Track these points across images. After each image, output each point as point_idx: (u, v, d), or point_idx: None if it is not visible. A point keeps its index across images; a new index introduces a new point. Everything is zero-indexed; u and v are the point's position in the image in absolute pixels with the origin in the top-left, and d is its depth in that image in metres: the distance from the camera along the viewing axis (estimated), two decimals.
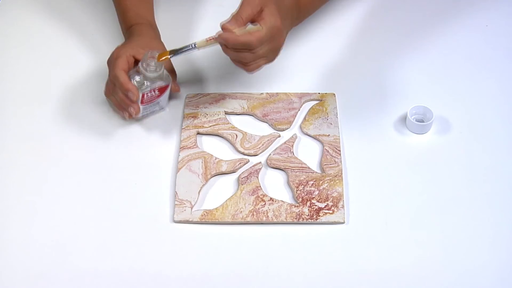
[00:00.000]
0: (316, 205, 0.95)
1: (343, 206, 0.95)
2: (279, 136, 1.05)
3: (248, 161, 1.01)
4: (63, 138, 1.05)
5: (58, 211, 0.96)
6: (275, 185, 0.99)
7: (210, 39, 0.96)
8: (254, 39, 0.92)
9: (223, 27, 0.93)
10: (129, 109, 1.01)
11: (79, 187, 0.99)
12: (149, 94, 1.02)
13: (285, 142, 1.03)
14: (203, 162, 1.01)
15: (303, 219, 0.94)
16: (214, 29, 1.17)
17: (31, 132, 1.06)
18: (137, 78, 1.00)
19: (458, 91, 1.10)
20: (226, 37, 0.93)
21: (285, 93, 1.10)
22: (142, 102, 1.02)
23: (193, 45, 0.98)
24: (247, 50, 0.94)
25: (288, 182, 0.99)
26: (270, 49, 0.96)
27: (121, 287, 0.89)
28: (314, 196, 0.96)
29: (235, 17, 0.93)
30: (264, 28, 0.93)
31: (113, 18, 1.23)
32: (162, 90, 1.03)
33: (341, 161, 1.00)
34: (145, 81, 1.01)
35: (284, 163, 1.00)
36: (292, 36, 1.19)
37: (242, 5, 0.94)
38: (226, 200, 0.96)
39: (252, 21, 0.95)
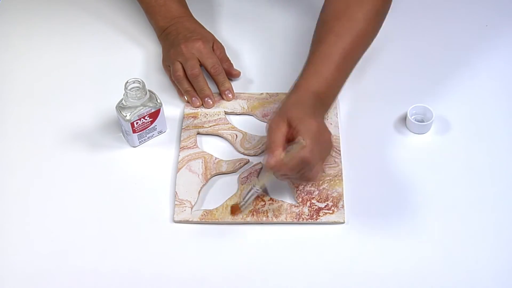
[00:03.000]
0: (316, 205, 0.95)
1: (343, 206, 0.95)
2: None
3: (248, 161, 1.01)
4: (63, 138, 1.05)
5: (58, 211, 0.96)
6: (275, 185, 0.99)
7: (264, 177, 0.92)
8: (305, 154, 0.87)
9: (269, 166, 0.88)
10: (205, 100, 1.07)
11: (79, 187, 0.99)
12: (139, 122, 1.00)
13: None
14: (203, 162, 1.01)
15: (303, 219, 0.94)
16: (214, 29, 1.18)
17: (31, 132, 1.06)
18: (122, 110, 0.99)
19: (458, 91, 1.10)
20: (279, 169, 0.88)
21: (285, 93, 1.09)
22: (134, 131, 1.01)
23: (255, 188, 0.93)
24: (305, 167, 0.88)
25: (288, 182, 0.99)
26: (323, 149, 0.91)
27: (121, 287, 0.89)
28: (314, 196, 0.96)
29: (272, 150, 0.88)
30: (307, 139, 0.88)
31: (113, 18, 1.23)
32: (153, 115, 1.01)
33: (341, 161, 1.00)
34: (130, 111, 0.99)
35: None
36: (292, 36, 1.20)
37: (269, 133, 0.90)
38: (226, 200, 0.96)
39: (289, 140, 0.90)
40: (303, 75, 0.98)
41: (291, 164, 0.87)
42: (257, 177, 0.97)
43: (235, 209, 0.94)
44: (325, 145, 0.92)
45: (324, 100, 0.97)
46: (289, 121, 0.90)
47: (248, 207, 0.94)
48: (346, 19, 1.01)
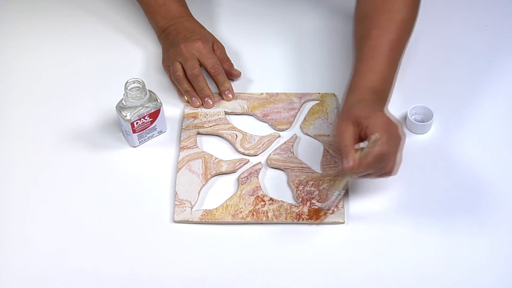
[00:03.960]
0: (316, 205, 0.95)
1: (343, 206, 0.95)
2: (279, 136, 1.05)
3: (248, 161, 1.01)
4: (63, 138, 1.05)
5: (58, 211, 0.96)
6: (275, 185, 0.99)
7: (344, 180, 0.93)
8: (381, 147, 0.87)
9: (346, 170, 0.88)
10: (205, 100, 1.07)
11: (79, 187, 0.99)
12: (139, 122, 1.00)
13: (285, 142, 1.03)
14: (203, 162, 1.01)
15: (303, 219, 0.94)
16: (214, 29, 1.18)
17: (31, 132, 1.06)
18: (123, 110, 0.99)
19: (458, 91, 1.10)
20: (358, 169, 0.88)
21: (285, 93, 1.10)
22: (134, 132, 1.01)
23: (337, 192, 0.93)
24: (382, 160, 0.89)
25: (288, 182, 0.99)
26: (395, 140, 0.90)
27: (121, 287, 0.89)
28: (314, 196, 0.96)
29: (346, 153, 0.88)
30: (379, 133, 0.87)
31: (113, 17, 1.23)
32: (153, 115, 1.01)
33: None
34: (130, 111, 0.99)
35: (284, 163, 1.00)
36: (292, 36, 1.19)
37: (339, 137, 0.90)
38: (226, 200, 0.96)
39: (359, 140, 0.90)
40: (356, 73, 0.98)
41: (368, 161, 0.87)
42: (333, 181, 0.97)
43: (318, 213, 0.94)
44: (396, 136, 0.90)
45: (382, 94, 0.97)
46: (356, 121, 0.90)
47: (330, 206, 0.95)
48: (387, 10, 1.01)
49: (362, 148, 0.88)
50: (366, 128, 0.89)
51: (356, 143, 0.89)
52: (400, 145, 0.91)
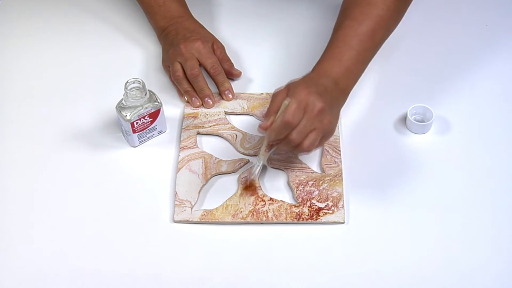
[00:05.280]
0: (316, 205, 0.95)
1: (343, 206, 0.95)
2: None
3: (248, 161, 1.01)
4: (63, 138, 1.05)
5: (58, 211, 0.96)
6: (275, 185, 0.99)
7: (262, 148, 0.95)
8: (286, 116, 0.88)
9: (261, 127, 0.91)
10: (205, 100, 1.07)
11: (79, 187, 0.99)
12: (139, 122, 1.00)
13: None
14: (203, 162, 1.01)
15: (303, 219, 0.94)
16: (214, 29, 1.18)
17: (31, 132, 1.06)
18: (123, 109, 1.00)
19: (458, 91, 1.10)
20: (269, 133, 0.90)
21: None
22: (134, 132, 1.01)
23: (258, 163, 0.96)
24: (290, 131, 0.90)
25: (288, 182, 0.99)
26: (312, 118, 0.90)
27: (121, 287, 0.89)
28: (314, 196, 0.96)
29: (266, 115, 0.91)
30: (292, 100, 0.89)
31: (113, 17, 1.23)
32: (153, 115, 1.01)
33: (341, 161, 1.00)
34: (130, 111, 0.99)
35: (284, 163, 1.00)
36: (292, 36, 1.19)
37: (270, 101, 0.92)
38: (226, 200, 0.96)
39: None
40: (320, 60, 0.98)
41: (275, 125, 0.89)
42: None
43: (249, 186, 0.96)
44: (315, 114, 0.90)
45: (342, 84, 0.97)
46: (289, 90, 0.92)
47: (256, 175, 0.97)
48: (364, 4, 1.01)
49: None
50: (289, 94, 0.91)
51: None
52: (319, 128, 0.91)
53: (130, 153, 1.03)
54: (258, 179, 0.97)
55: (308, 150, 0.92)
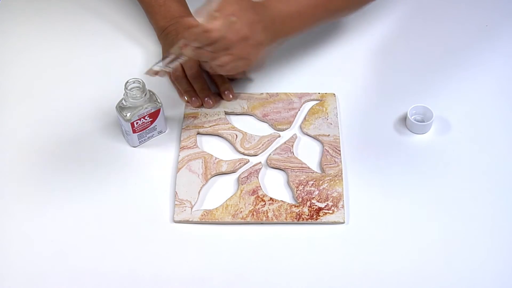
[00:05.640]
0: (316, 205, 0.95)
1: (343, 206, 0.95)
2: (279, 136, 1.05)
3: (248, 161, 1.01)
4: (63, 138, 1.05)
5: (58, 211, 0.96)
6: (275, 185, 0.99)
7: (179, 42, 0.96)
8: (210, 26, 0.90)
9: (184, 23, 0.93)
10: (205, 100, 1.07)
11: (79, 187, 0.99)
12: (139, 122, 1.00)
13: (285, 142, 1.03)
14: (203, 162, 1.01)
15: (303, 219, 0.94)
16: None
17: (31, 132, 1.06)
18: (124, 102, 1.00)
19: (458, 91, 1.10)
20: (189, 24, 0.91)
21: (285, 93, 1.10)
22: (134, 132, 1.01)
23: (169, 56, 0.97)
24: (208, 45, 0.92)
25: (288, 182, 0.99)
26: (233, 41, 0.93)
27: (121, 287, 0.89)
28: (314, 196, 0.96)
29: (196, 13, 0.93)
30: (219, 17, 0.91)
31: (113, 17, 1.23)
32: (153, 115, 1.01)
33: (341, 161, 1.00)
34: (130, 111, 0.99)
35: (284, 163, 1.00)
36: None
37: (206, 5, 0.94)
38: (226, 200, 0.96)
39: None
40: None
41: (195, 30, 0.91)
42: None
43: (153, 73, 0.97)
44: (240, 44, 0.92)
45: (278, 26, 0.98)
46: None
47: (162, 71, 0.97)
48: None
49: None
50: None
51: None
52: (236, 54, 0.93)
53: (130, 153, 1.03)
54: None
55: (220, 70, 0.94)
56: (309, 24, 1.03)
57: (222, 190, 0.98)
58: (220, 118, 1.07)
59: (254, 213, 0.95)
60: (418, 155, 1.02)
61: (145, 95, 0.99)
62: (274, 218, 0.94)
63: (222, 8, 0.92)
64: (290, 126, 1.06)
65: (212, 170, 1.00)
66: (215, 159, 1.01)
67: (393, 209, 0.96)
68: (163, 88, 1.11)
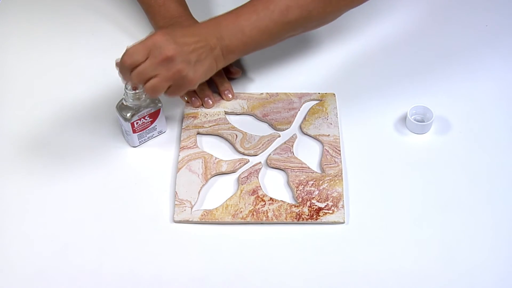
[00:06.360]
0: (316, 205, 0.95)
1: (343, 206, 0.95)
2: (279, 136, 1.05)
3: (248, 161, 1.01)
4: (63, 138, 1.05)
5: (58, 211, 0.96)
6: (275, 185, 0.99)
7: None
8: (124, 53, 0.92)
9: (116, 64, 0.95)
10: (205, 100, 1.07)
11: (79, 187, 0.99)
12: (139, 122, 1.00)
13: (285, 142, 1.03)
14: (203, 162, 1.01)
15: (303, 219, 0.94)
16: None
17: (31, 132, 1.06)
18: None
19: (458, 91, 1.10)
20: (116, 62, 0.94)
21: (285, 93, 1.10)
22: (134, 132, 1.01)
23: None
24: (132, 69, 0.92)
25: (288, 182, 0.99)
26: (156, 65, 0.92)
27: (121, 287, 0.89)
28: (314, 196, 0.96)
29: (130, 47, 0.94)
30: (135, 44, 0.92)
31: (114, 17, 1.23)
32: (153, 115, 1.01)
33: (341, 161, 1.00)
34: (130, 111, 0.99)
35: (284, 163, 1.00)
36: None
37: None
38: (226, 200, 0.96)
39: None
40: (223, 13, 0.99)
41: (119, 63, 0.93)
42: None
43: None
44: (164, 65, 0.92)
45: (227, 41, 0.97)
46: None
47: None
48: None
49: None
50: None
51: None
52: (163, 75, 0.92)
53: (130, 153, 1.03)
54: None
55: (152, 94, 0.94)
56: (267, 36, 0.99)
57: (222, 190, 0.98)
58: (220, 118, 1.07)
59: (254, 213, 0.95)
60: (418, 155, 1.02)
61: (145, 95, 0.99)
62: (274, 218, 0.94)
63: (147, 37, 0.94)
64: (290, 126, 1.06)
65: (212, 170, 1.00)
66: (215, 159, 1.01)
67: (393, 209, 0.96)
68: None
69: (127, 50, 0.93)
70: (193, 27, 1.01)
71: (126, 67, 0.92)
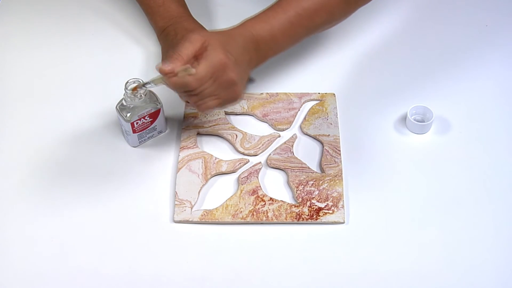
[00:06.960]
0: (316, 205, 0.95)
1: (343, 206, 0.95)
2: (279, 136, 1.05)
3: (248, 161, 1.01)
4: (63, 138, 1.05)
5: (58, 211, 0.96)
6: (275, 185, 0.99)
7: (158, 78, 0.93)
8: (191, 79, 0.88)
9: (160, 70, 0.88)
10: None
11: (79, 187, 0.99)
12: (139, 122, 1.00)
13: (285, 142, 1.03)
14: (203, 162, 1.01)
15: (303, 219, 0.94)
16: (213, 29, 1.18)
17: (31, 132, 1.06)
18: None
19: (458, 91, 1.10)
20: (168, 79, 0.88)
21: (285, 93, 1.10)
22: (134, 132, 1.01)
23: (151, 83, 0.94)
24: (189, 92, 0.90)
25: (288, 182, 0.99)
26: (217, 87, 0.90)
27: (121, 287, 0.89)
28: (314, 196, 0.96)
29: (173, 59, 0.88)
30: (203, 66, 0.88)
31: (114, 17, 1.23)
32: (153, 115, 1.01)
33: (341, 161, 1.00)
34: (130, 111, 0.99)
35: (284, 163, 1.01)
36: None
37: (182, 44, 0.90)
38: (226, 200, 0.96)
39: (195, 59, 0.89)
40: (251, 18, 0.98)
41: (177, 81, 0.88)
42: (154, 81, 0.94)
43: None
44: (223, 84, 0.90)
45: (262, 49, 0.97)
46: (205, 43, 0.90)
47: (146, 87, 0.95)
48: None
49: (187, 67, 0.87)
50: (202, 56, 0.89)
51: (189, 59, 0.88)
52: (223, 97, 0.91)
53: (130, 153, 1.03)
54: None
55: (203, 111, 0.94)
56: (295, 40, 1.00)
57: (222, 190, 0.98)
58: (220, 118, 1.07)
59: (254, 213, 0.95)
60: (418, 155, 1.02)
61: (145, 95, 0.99)
62: (274, 218, 0.94)
63: (206, 55, 0.89)
64: (290, 126, 1.06)
65: (212, 170, 1.00)
66: (215, 159, 1.01)
67: (393, 209, 0.96)
68: (163, 88, 1.10)
69: (196, 74, 0.87)
70: (237, 36, 0.95)
71: (191, 89, 0.89)
